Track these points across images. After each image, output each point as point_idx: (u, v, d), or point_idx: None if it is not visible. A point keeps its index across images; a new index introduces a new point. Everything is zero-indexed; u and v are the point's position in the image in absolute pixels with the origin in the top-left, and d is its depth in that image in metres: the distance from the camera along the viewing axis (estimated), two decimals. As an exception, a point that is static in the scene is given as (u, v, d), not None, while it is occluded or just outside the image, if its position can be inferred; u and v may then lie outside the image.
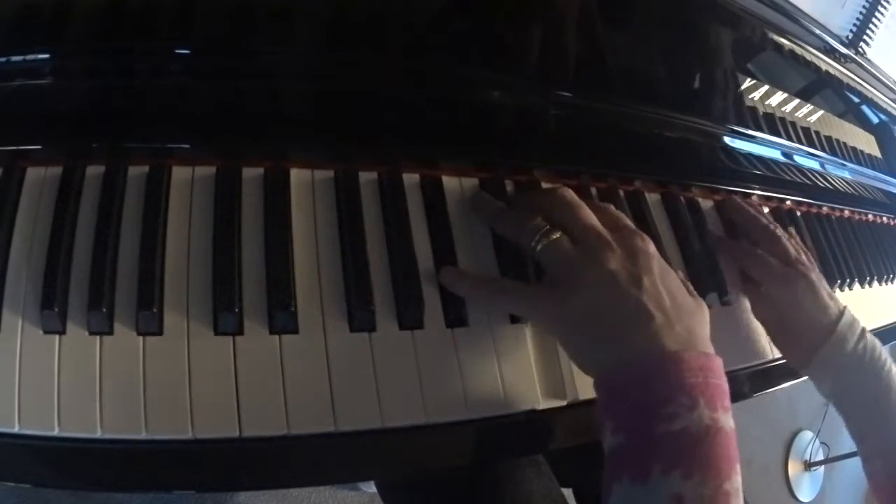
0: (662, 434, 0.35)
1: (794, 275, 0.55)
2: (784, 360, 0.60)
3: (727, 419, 0.37)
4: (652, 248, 0.42)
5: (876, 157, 0.88)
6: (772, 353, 0.60)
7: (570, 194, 0.44)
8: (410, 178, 0.48)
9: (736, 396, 0.56)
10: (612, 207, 0.46)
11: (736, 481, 0.35)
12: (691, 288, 0.45)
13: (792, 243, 0.58)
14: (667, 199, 0.60)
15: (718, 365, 0.38)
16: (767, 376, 0.59)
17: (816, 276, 0.56)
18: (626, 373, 0.37)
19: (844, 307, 0.56)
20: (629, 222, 0.44)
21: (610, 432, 0.37)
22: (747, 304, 0.60)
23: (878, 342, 0.55)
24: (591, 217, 0.42)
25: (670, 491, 0.34)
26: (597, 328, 0.39)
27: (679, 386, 0.36)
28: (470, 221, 0.48)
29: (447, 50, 0.49)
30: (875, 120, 0.84)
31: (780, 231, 0.58)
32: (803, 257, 0.57)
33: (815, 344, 0.54)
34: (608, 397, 0.38)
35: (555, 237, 0.41)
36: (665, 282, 0.40)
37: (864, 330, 0.55)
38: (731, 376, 0.55)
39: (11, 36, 0.40)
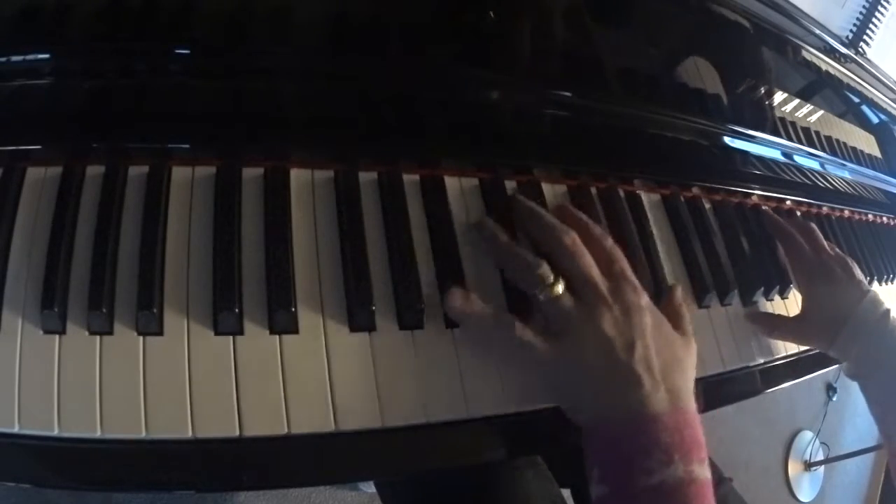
0: (643, 487, 0.38)
1: (821, 260, 0.60)
2: (784, 360, 0.60)
3: (702, 469, 0.39)
4: (644, 299, 0.43)
5: (876, 157, 0.88)
6: (772, 352, 0.60)
7: (572, 240, 0.43)
8: (410, 178, 0.48)
9: (736, 396, 0.56)
10: (608, 242, 0.45)
11: None
12: (685, 318, 0.46)
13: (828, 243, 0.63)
14: (667, 199, 0.60)
15: (694, 419, 0.41)
16: (767, 376, 0.59)
17: (842, 263, 0.60)
18: (610, 430, 0.40)
19: (871, 289, 0.59)
20: (624, 264, 0.44)
21: (595, 480, 0.40)
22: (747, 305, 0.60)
23: None
24: (589, 267, 0.43)
25: None
26: (587, 385, 0.41)
27: (656, 445, 0.38)
28: (470, 221, 0.48)
29: (447, 50, 0.49)
30: (875, 120, 0.84)
31: (813, 225, 0.64)
32: (835, 250, 0.62)
33: (839, 320, 0.57)
34: (593, 449, 0.41)
35: (556, 292, 0.42)
36: (657, 339, 0.42)
37: (888, 310, 0.58)
38: (731, 376, 0.56)
39: (11, 36, 0.40)
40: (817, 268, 0.60)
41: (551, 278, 0.42)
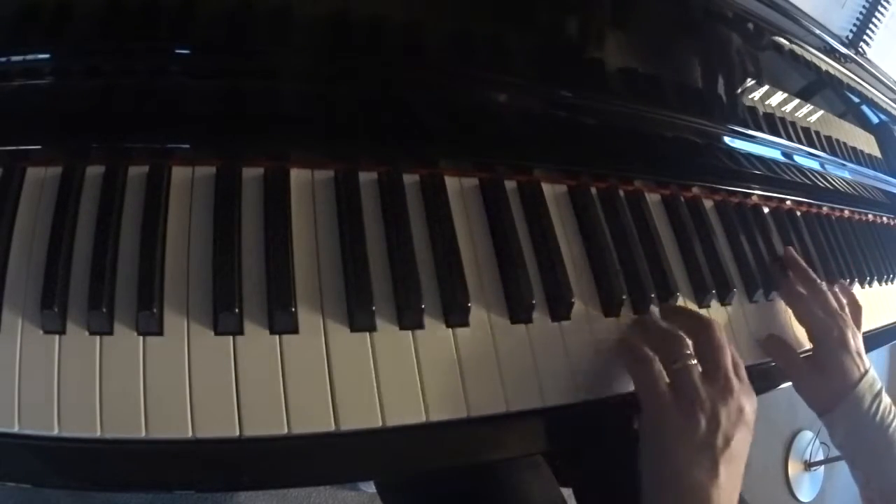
0: None
1: (832, 325, 0.59)
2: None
3: None
4: (750, 406, 0.46)
5: (876, 157, 0.88)
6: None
7: (720, 336, 0.47)
8: (410, 178, 0.48)
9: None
10: (732, 347, 0.49)
11: None
12: (749, 413, 0.47)
13: (837, 298, 0.62)
14: (667, 199, 0.60)
15: None
16: (767, 376, 0.60)
17: (852, 332, 0.60)
18: (667, 496, 0.44)
19: (869, 366, 0.59)
20: (744, 373, 0.48)
21: None
22: (747, 305, 0.60)
23: (889, 401, 0.59)
24: (728, 359, 0.47)
25: None
26: (679, 447, 0.44)
27: None
28: (470, 221, 0.48)
29: (447, 50, 0.49)
30: (875, 120, 0.84)
31: (825, 285, 0.63)
32: (845, 312, 0.61)
33: (836, 395, 0.58)
34: None
35: (692, 363, 0.46)
36: (742, 441, 0.45)
37: (881, 389, 0.59)
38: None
39: (11, 36, 0.40)
40: (829, 329, 0.59)
41: (690, 352, 0.46)
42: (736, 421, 0.45)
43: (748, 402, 0.46)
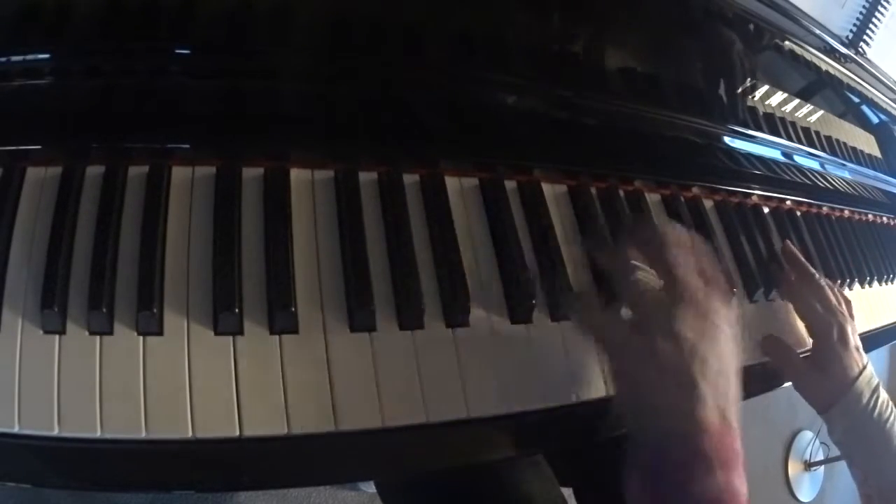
0: (683, 497, 0.38)
1: (831, 320, 0.59)
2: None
3: (741, 483, 0.39)
4: (723, 308, 0.42)
5: (876, 157, 0.88)
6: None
7: (665, 231, 0.44)
8: (410, 178, 0.48)
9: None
10: (706, 246, 0.45)
11: None
12: (721, 316, 0.43)
13: (834, 293, 0.62)
14: (667, 199, 0.60)
15: (737, 434, 0.40)
16: (767, 376, 0.59)
17: (851, 327, 0.60)
18: (657, 436, 0.39)
19: (867, 361, 0.59)
20: (718, 273, 0.44)
21: (638, 488, 0.40)
22: (747, 305, 0.60)
23: (886, 396, 0.59)
24: (688, 262, 0.42)
25: None
26: (648, 380, 0.40)
27: (699, 456, 0.38)
28: (470, 221, 0.48)
29: (447, 50, 0.49)
30: (875, 120, 0.84)
31: (824, 281, 0.63)
32: (843, 307, 0.61)
33: (835, 391, 0.58)
34: (636, 453, 0.40)
35: (636, 280, 0.42)
36: (725, 352, 0.41)
37: (878, 384, 0.59)
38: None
39: (11, 36, 0.40)
40: (829, 325, 0.59)
41: (645, 271, 0.43)
42: (703, 329, 0.40)
43: (717, 304, 0.41)
